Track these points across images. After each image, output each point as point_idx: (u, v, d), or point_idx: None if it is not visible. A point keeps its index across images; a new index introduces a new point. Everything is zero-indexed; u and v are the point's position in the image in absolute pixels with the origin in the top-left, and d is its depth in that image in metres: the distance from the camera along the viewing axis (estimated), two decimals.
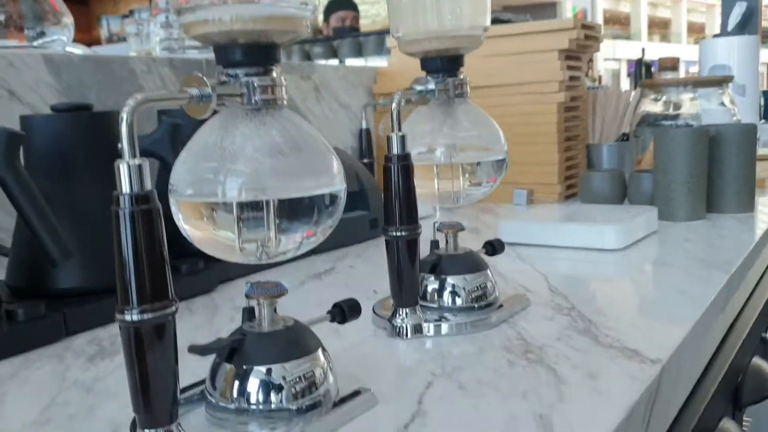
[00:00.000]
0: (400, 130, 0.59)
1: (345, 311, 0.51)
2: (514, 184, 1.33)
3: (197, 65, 1.10)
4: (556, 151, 1.28)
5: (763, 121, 3.42)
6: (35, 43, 0.97)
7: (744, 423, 0.84)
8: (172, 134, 0.75)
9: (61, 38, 1.01)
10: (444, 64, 0.64)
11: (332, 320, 0.51)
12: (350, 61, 2.74)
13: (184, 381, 0.47)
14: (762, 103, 3.46)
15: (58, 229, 0.63)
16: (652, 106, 1.31)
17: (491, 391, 0.48)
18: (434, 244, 0.68)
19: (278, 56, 0.45)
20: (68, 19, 1.00)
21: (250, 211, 0.43)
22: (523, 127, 1.31)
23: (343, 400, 0.46)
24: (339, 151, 1.06)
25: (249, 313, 0.47)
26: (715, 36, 2.11)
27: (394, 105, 0.58)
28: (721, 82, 1.24)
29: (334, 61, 2.83)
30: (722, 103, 1.28)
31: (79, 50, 1.24)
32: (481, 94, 1.34)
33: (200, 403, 0.47)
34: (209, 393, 0.45)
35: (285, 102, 0.45)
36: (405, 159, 0.59)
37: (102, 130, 0.73)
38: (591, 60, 1.49)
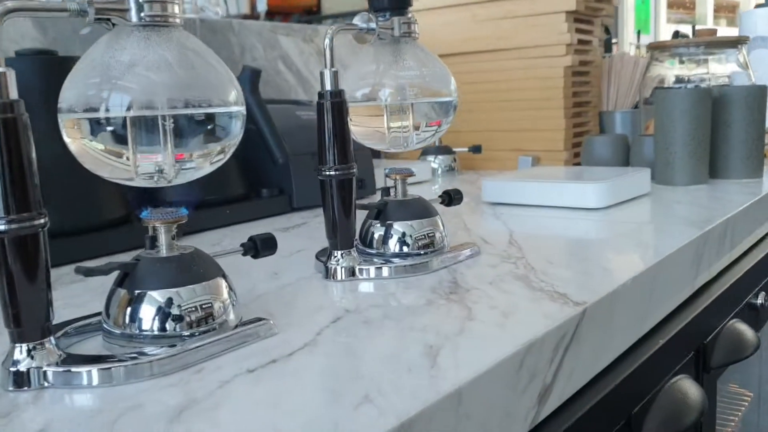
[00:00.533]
0: (333, 66, 0.57)
1: (258, 245, 0.50)
2: (520, 150, 1.30)
3: None
4: (562, 117, 1.24)
5: None
6: None
7: (729, 391, 0.80)
8: (252, 81, 0.83)
9: None
10: (390, 3, 0.61)
11: (244, 254, 0.50)
12: None
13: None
14: None
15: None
16: (667, 70, 1.25)
17: (393, 325, 0.46)
18: (384, 191, 0.66)
19: None
20: None
21: (139, 128, 0.42)
22: (529, 92, 1.27)
23: (237, 327, 0.45)
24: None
25: (151, 241, 0.46)
26: (757, 6, 2.01)
27: (326, 41, 0.57)
28: (736, 42, 1.17)
29: None
30: (739, 65, 1.21)
31: None
32: (488, 58, 1.31)
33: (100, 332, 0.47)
34: (104, 320, 0.45)
35: (178, 21, 0.44)
36: (337, 96, 0.57)
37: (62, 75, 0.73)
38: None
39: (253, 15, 1.69)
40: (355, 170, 0.58)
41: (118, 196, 0.75)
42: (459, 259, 0.63)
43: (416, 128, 0.62)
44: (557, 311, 0.47)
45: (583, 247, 0.71)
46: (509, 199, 0.92)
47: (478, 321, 0.46)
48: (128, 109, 0.41)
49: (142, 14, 0.42)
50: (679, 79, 1.23)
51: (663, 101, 0.99)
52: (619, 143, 1.10)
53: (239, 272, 0.58)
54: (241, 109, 0.46)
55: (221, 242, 0.75)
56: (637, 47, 3.98)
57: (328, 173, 0.57)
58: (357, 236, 0.62)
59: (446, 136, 1.07)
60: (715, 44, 1.16)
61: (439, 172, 1.28)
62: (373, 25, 0.61)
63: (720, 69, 1.19)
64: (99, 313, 0.47)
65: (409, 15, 0.63)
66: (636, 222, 0.81)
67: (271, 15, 2.80)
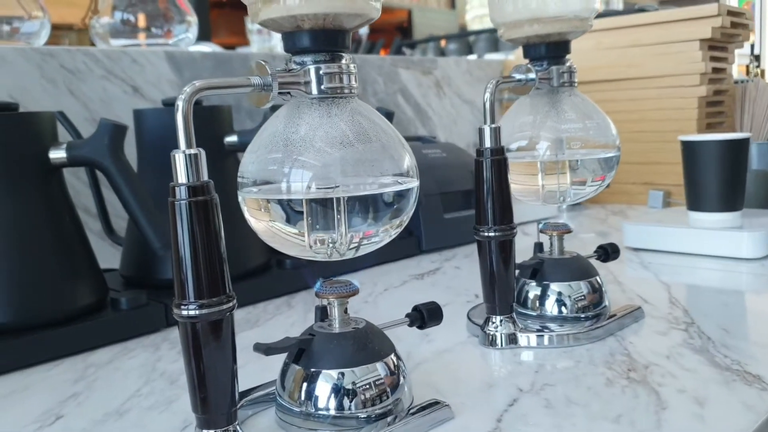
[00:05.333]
0: (493, 121, 0.54)
1: (424, 315, 0.48)
2: (650, 184, 1.23)
3: None
4: None
5: None
6: (161, 41, 1.01)
7: None
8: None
9: (187, 36, 1.04)
10: (548, 51, 0.59)
11: (411, 324, 0.48)
12: (487, 57, 2.68)
13: (265, 378, 0.46)
14: None
15: (160, 220, 0.64)
16: None
17: (580, 413, 0.43)
18: (538, 246, 0.63)
19: (347, 42, 0.42)
20: (192, 18, 1.03)
21: (317, 206, 0.40)
22: (661, 123, 1.21)
23: (417, 411, 0.43)
24: (453, 147, 1.03)
25: (322, 312, 0.45)
26: None
27: (486, 95, 0.54)
28: None
29: (472, 57, 2.78)
30: None
31: (208, 48, 1.28)
32: (616, 87, 1.26)
33: (273, 403, 0.45)
34: (279, 394, 0.44)
35: (355, 91, 0.42)
36: (498, 153, 0.54)
37: (212, 123, 0.74)
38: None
39: (355, 38, 1.69)
40: (515, 231, 0.55)
41: (260, 244, 0.75)
42: (624, 324, 0.59)
43: (580, 184, 0.59)
44: (757, 400, 0.43)
45: (755, 309, 0.65)
46: (654, 245, 0.86)
47: (672, 410, 0.42)
48: (309, 187, 0.40)
49: (323, 86, 0.41)
50: None
51: None
52: (761, 180, 1.03)
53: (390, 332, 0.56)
54: (416, 182, 0.44)
55: (365, 284, 0.74)
56: None
57: (487, 234, 0.55)
58: None
59: None
60: None
61: (564, 206, 1.23)
62: (532, 76, 0.58)
63: None
64: (271, 383, 0.46)
65: (569, 63, 0.60)
66: None
67: (373, 36, 2.82)
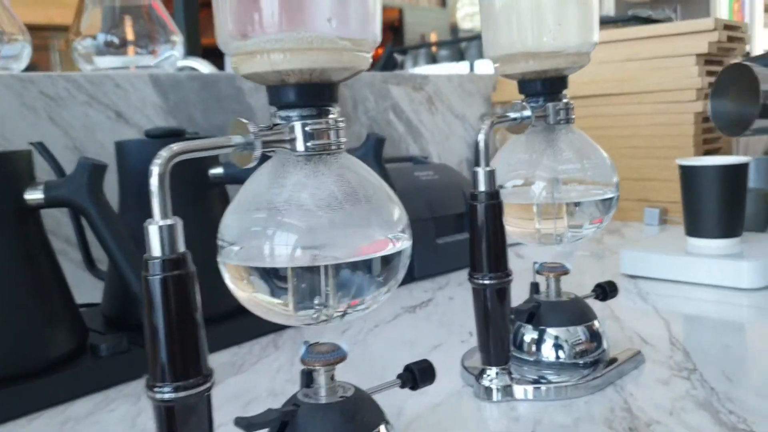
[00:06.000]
0: (488, 164, 0.52)
1: (416, 376, 0.45)
2: (645, 201, 1.22)
3: None
4: None
5: None
6: (146, 60, 0.98)
7: None
8: (376, 149, 0.63)
9: (173, 54, 1.02)
10: (543, 87, 0.56)
11: (402, 386, 0.46)
12: (478, 63, 2.66)
13: None
14: None
15: (141, 263, 0.61)
16: None
17: None
18: (534, 287, 0.61)
19: (335, 95, 0.40)
20: (177, 38, 1.00)
21: (303, 274, 0.38)
22: (656, 139, 1.19)
23: None
24: (445, 167, 1.00)
25: (307, 378, 0.43)
26: None
27: (480, 136, 0.52)
28: None
29: (464, 64, 2.76)
30: None
31: (196, 64, 1.25)
32: (611, 102, 1.24)
33: None
34: None
35: (343, 147, 0.40)
36: (493, 197, 0.52)
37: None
38: None
39: None
40: (511, 277, 0.53)
41: None
42: (624, 372, 0.57)
43: (576, 227, 0.57)
44: None
45: (757, 350, 0.63)
46: (652, 272, 0.84)
47: None
48: (294, 253, 0.37)
49: (309, 144, 0.38)
50: None
51: None
52: (760, 201, 1.01)
53: (379, 379, 0.54)
54: (409, 241, 0.41)
55: (348, 330, 0.72)
56: None
57: (482, 282, 0.52)
58: None
59: None
60: None
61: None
62: (528, 113, 0.56)
63: None
64: None
65: (565, 99, 0.57)
66: None
67: None
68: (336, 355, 0.41)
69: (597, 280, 0.63)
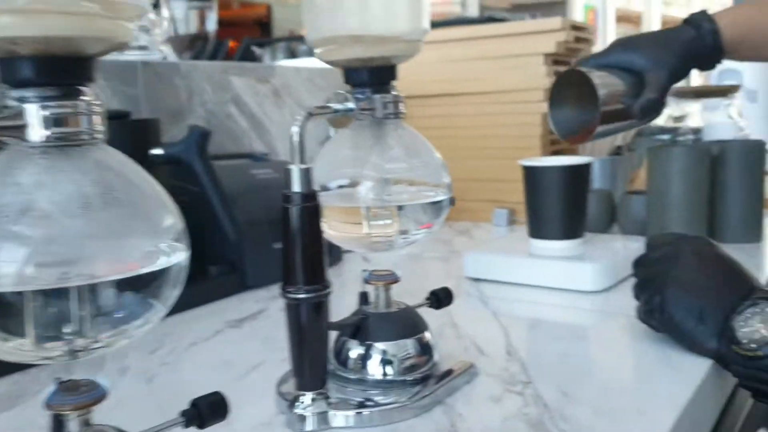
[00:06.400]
0: (303, 161, 0.46)
1: (203, 413, 0.38)
2: (495, 202, 1.20)
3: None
4: None
5: None
6: None
7: None
8: (200, 143, 0.77)
9: None
10: (370, 77, 0.50)
11: (187, 425, 0.38)
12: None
13: None
14: None
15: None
16: None
17: None
18: (363, 297, 0.55)
19: (89, 72, 0.32)
20: None
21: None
22: (506, 140, 1.18)
23: None
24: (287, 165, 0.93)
25: (56, 426, 0.34)
26: None
27: (294, 128, 0.45)
28: (726, 91, 1.10)
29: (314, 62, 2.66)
30: (729, 116, 1.14)
31: None
32: (462, 102, 1.21)
33: None
34: None
35: (99, 136, 0.32)
36: (309, 199, 0.46)
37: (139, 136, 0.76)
38: None
39: (204, 34, 1.55)
40: (330, 290, 0.47)
41: None
42: (455, 388, 0.52)
43: (403, 233, 0.51)
44: None
45: (594, 359, 0.60)
46: (494, 275, 0.81)
47: None
48: (26, 272, 0.29)
49: (51, 132, 0.30)
50: (661, 130, 1.15)
51: (658, 160, 0.90)
52: (603, 201, 1.02)
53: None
54: (185, 255, 0.34)
55: (158, 350, 0.63)
56: None
57: (296, 296, 0.46)
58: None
59: None
60: (704, 93, 1.09)
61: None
62: (351, 105, 0.50)
63: (709, 118, 1.12)
64: None
65: (395, 91, 0.52)
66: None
67: (223, 31, 2.67)
68: (92, 397, 0.33)
69: (442, 283, 0.58)
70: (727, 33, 0.74)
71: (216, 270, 0.80)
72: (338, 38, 0.49)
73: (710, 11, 0.75)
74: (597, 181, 1.18)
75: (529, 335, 0.66)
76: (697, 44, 0.73)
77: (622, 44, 0.75)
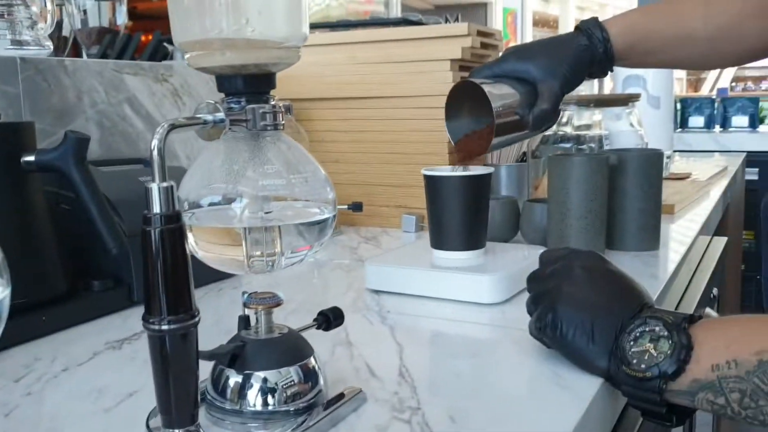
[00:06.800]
0: (164, 179, 0.42)
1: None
2: (404, 208, 1.18)
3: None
4: None
5: (679, 130, 3.40)
6: None
7: None
8: (77, 151, 0.71)
9: None
10: (245, 86, 0.47)
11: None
12: None
13: None
14: (678, 109, 3.44)
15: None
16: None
17: None
18: (243, 320, 0.51)
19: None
20: None
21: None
22: (414, 145, 1.16)
23: None
24: (184, 171, 0.88)
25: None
26: None
27: (155, 142, 0.41)
28: (627, 100, 1.11)
29: None
30: (630, 124, 1.16)
31: None
32: (370, 105, 1.19)
33: None
34: None
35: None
36: (172, 220, 0.42)
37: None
38: None
39: (116, 28, 1.46)
40: (198, 318, 0.43)
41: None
42: (341, 417, 0.49)
43: (292, 251, 0.48)
44: None
45: (486, 381, 0.59)
46: (395, 287, 0.79)
47: None
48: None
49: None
50: (564, 137, 1.15)
51: (557, 169, 0.90)
52: (507, 208, 1.01)
53: None
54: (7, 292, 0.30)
55: (24, 377, 0.57)
56: None
57: (159, 327, 0.42)
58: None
59: None
60: (604, 102, 1.10)
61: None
62: (221, 115, 0.46)
63: (613, 126, 1.13)
64: None
65: (273, 101, 0.48)
66: None
67: (141, 24, 2.56)
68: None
69: (342, 295, 0.55)
70: (618, 41, 0.74)
71: (99, 285, 0.75)
72: (208, 42, 0.46)
73: (601, 18, 0.75)
74: (504, 188, 1.17)
75: (424, 354, 0.64)
76: (590, 53, 0.73)
77: (515, 53, 0.74)
